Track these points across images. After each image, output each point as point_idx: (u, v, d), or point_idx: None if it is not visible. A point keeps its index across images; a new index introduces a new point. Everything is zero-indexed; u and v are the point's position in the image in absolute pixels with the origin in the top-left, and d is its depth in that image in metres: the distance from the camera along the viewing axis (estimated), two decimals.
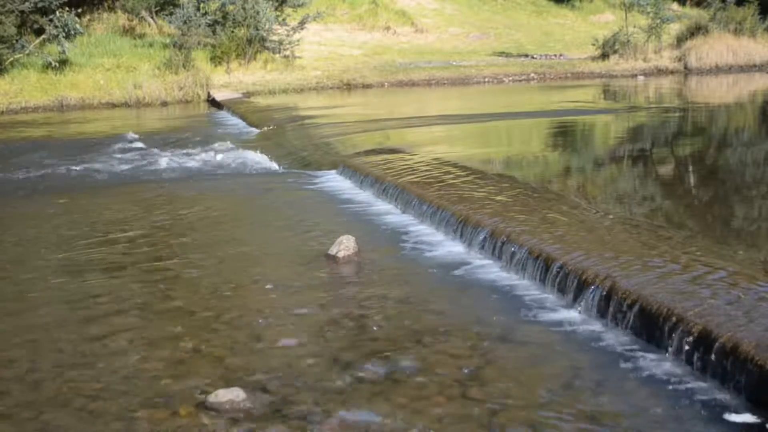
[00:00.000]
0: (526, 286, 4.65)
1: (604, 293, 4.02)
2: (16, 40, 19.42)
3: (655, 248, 4.53)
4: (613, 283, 4.02)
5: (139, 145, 11.88)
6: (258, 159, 10.18)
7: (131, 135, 12.91)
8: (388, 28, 28.36)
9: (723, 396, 3.18)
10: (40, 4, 19.72)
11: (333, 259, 5.42)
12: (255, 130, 13.42)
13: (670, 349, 3.50)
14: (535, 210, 5.67)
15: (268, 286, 4.95)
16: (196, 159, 10.42)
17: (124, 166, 10.17)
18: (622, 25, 23.93)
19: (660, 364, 3.50)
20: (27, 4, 19.44)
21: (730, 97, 17.54)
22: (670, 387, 3.33)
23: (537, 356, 3.74)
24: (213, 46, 21.57)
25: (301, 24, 22.91)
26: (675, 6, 29.55)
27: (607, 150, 10.09)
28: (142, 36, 23.25)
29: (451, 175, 7.20)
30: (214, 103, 18.74)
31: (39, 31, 20.10)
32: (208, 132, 13.31)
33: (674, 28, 24.38)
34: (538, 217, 5.46)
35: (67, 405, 3.41)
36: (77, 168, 10.11)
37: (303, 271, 5.23)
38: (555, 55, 25.06)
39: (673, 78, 21.50)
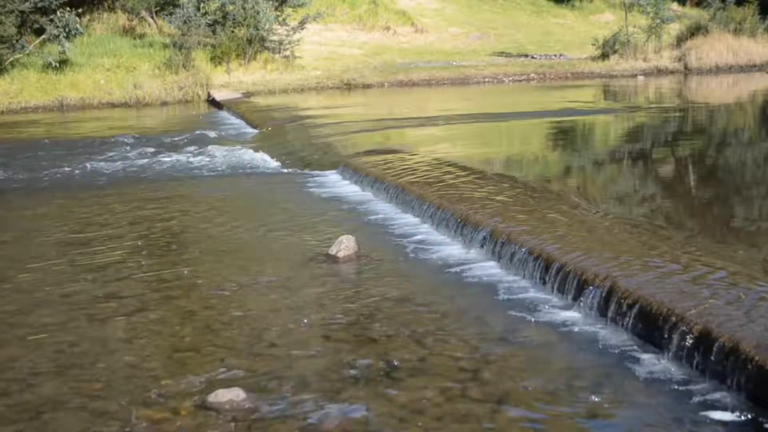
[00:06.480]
0: (526, 286, 4.65)
1: (604, 293, 4.02)
2: (16, 40, 19.41)
3: (655, 248, 4.53)
4: (613, 283, 4.02)
5: (139, 145, 11.88)
6: (258, 159, 10.18)
7: (130, 135, 12.91)
8: (388, 28, 28.36)
9: (723, 396, 3.18)
10: (40, 4, 19.70)
11: (333, 258, 5.42)
12: (255, 130, 13.41)
13: (670, 349, 3.50)
14: (535, 210, 5.67)
15: (268, 286, 4.96)
16: (195, 159, 10.42)
17: (124, 166, 10.16)
18: (622, 25, 23.92)
19: (660, 364, 3.50)
20: (27, 4, 19.42)
21: (730, 97, 17.53)
22: (670, 387, 3.33)
23: (537, 356, 3.74)
24: (213, 46, 21.57)
25: (301, 24, 22.90)
26: (675, 6, 29.55)
27: (607, 150, 10.09)
28: (142, 36, 23.24)
29: (451, 175, 7.20)
30: (214, 103, 18.74)
31: (39, 31, 20.09)
32: (208, 132, 13.30)
33: (674, 28, 24.38)
34: (538, 217, 5.46)
35: (67, 405, 3.41)
36: (77, 168, 10.11)
37: (303, 271, 5.23)
38: (555, 55, 25.05)
39: (673, 78, 21.50)
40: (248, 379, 3.55)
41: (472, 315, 4.30)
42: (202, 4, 22.10)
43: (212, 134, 13.04)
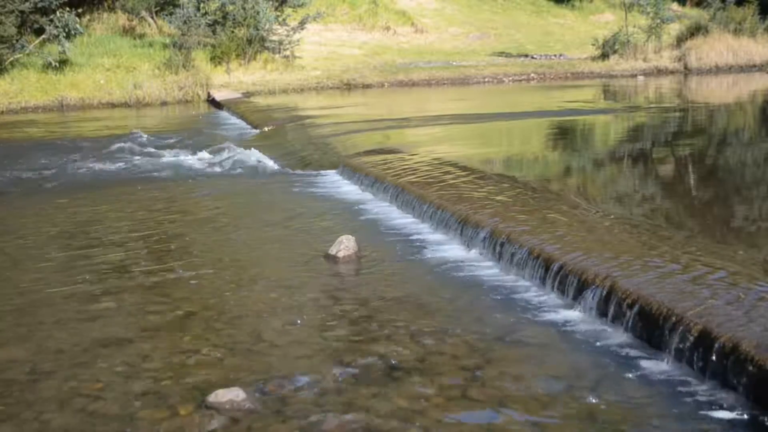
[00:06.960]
0: (526, 286, 4.65)
1: (604, 293, 4.02)
2: (16, 40, 19.41)
3: (655, 248, 4.53)
4: (613, 283, 4.02)
5: (139, 145, 11.88)
6: (258, 159, 10.18)
7: (131, 135, 12.91)
8: (388, 28, 28.35)
9: (723, 396, 3.18)
10: (40, 4, 19.70)
11: (333, 259, 5.42)
12: (255, 130, 13.41)
13: (670, 349, 3.50)
14: (535, 210, 5.67)
15: (268, 286, 4.96)
16: (195, 159, 10.41)
17: (124, 167, 10.17)
18: (622, 25, 23.93)
19: (660, 364, 3.50)
20: (27, 4, 19.41)
21: (730, 97, 17.53)
22: (670, 387, 3.33)
23: (537, 356, 3.74)
24: (213, 46, 21.57)
25: (301, 24, 22.90)
26: (675, 6, 29.56)
27: (607, 150, 10.09)
28: (142, 36, 23.23)
29: (451, 175, 7.20)
30: (214, 103, 18.74)
31: (39, 31, 20.08)
32: (207, 132, 13.30)
33: (674, 28, 24.38)
34: (538, 217, 5.46)
35: (67, 405, 3.41)
36: (77, 168, 10.11)
37: (303, 271, 5.23)
38: (555, 55, 25.05)
39: (673, 78, 21.50)
40: (248, 379, 3.55)
41: (472, 315, 4.30)
42: (202, 4, 22.10)
43: (212, 135, 13.04)
